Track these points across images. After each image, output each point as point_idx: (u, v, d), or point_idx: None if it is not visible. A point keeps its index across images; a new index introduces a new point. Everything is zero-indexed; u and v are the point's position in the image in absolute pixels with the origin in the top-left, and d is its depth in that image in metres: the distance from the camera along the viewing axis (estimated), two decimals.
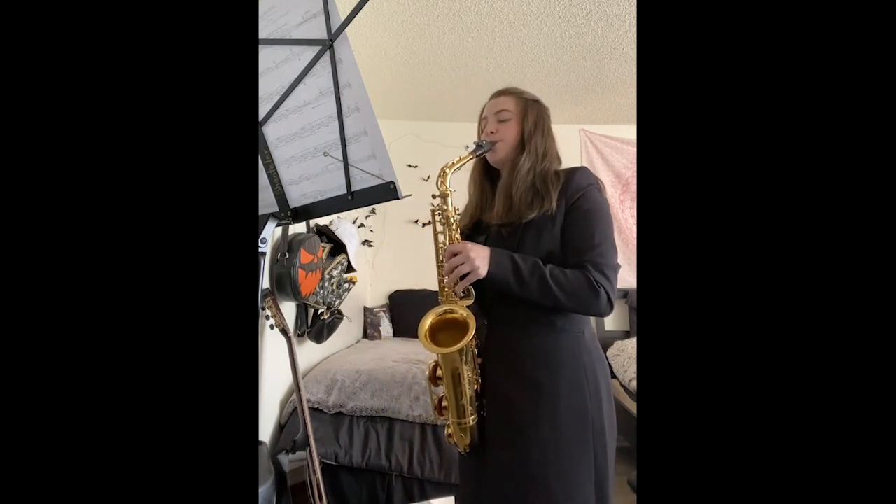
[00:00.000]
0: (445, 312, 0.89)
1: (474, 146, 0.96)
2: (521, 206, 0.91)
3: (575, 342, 0.90)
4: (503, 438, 0.88)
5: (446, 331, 0.88)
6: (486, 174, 1.05)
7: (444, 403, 0.92)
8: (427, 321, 0.88)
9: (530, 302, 0.85)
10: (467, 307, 0.88)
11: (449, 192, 0.91)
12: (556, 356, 0.88)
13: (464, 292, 0.89)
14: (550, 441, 0.84)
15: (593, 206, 0.90)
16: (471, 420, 0.89)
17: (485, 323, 0.95)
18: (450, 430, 0.92)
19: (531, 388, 0.87)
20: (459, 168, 0.93)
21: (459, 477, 1.03)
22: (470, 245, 0.85)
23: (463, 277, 0.84)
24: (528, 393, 0.87)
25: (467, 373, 0.88)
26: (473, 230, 1.02)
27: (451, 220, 0.91)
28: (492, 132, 0.98)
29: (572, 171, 0.93)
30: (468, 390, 0.88)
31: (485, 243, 0.92)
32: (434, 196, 0.92)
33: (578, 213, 0.89)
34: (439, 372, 0.91)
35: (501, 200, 0.94)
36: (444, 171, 0.91)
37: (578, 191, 0.90)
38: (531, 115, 0.98)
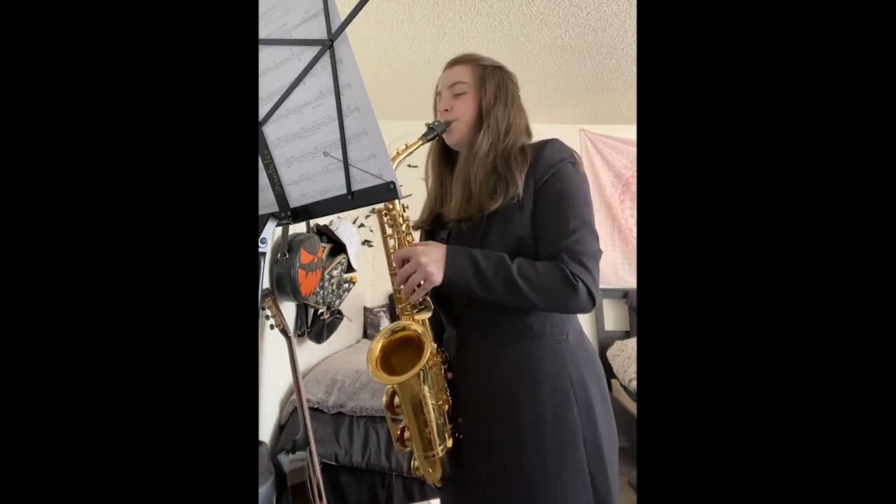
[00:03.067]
0: (395, 331, 0.77)
1: (426, 128, 0.82)
2: (481, 196, 0.77)
3: (556, 348, 0.77)
4: (483, 467, 0.77)
5: (401, 352, 0.77)
6: (445, 159, 0.91)
7: (407, 434, 0.79)
8: (377, 346, 0.75)
9: (500, 305, 0.74)
10: (428, 320, 0.77)
11: None
12: (537, 367, 0.76)
13: (420, 304, 0.77)
14: (537, 468, 0.73)
15: (567, 186, 0.76)
16: (440, 451, 0.76)
17: (454, 333, 0.83)
18: (416, 464, 0.80)
19: (510, 407, 0.75)
20: (408, 156, 0.79)
21: None
22: (420, 248, 0.73)
23: (418, 286, 0.72)
24: (506, 413, 0.75)
25: (430, 399, 0.74)
26: (434, 226, 0.89)
27: (400, 220, 0.79)
28: (445, 110, 0.85)
29: (541, 146, 0.79)
30: (434, 418, 0.75)
31: (447, 241, 0.82)
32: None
33: (549, 194, 0.76)
34: (397, 400, 0.78)
35: (459, 190, 0.80)
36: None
37: (549, 169, 0.76)
38: (490, 85, 0.83)
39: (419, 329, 0.76)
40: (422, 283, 0.72)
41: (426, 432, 0.76)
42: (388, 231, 0.81)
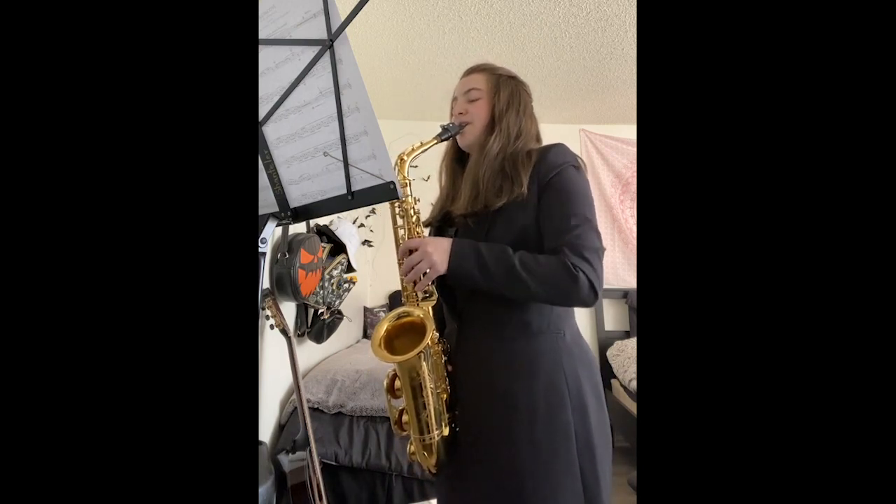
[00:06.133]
0: (401, 316, 0.81)
1: (441, 129, 0.87)
2: (488, 194, 0.82)
3: (553, 345, 0.80)
4: (476, 457, 0.79)
5: (405, 336, 0.80)
6: (458, 161, 0.96)
7: (405, 418, 0.82)
8: (382, 328, 0.79)
9: (502, 297, 0.76)
10: (431, 308, 0.81)
11: (407, 181, 0.83)
12: (533, 362, 0.78)
13: (425, 292, 0.81)
14: (528, 461, 0.75)
15: (569, 185, 0.80)
16: (436, 436, 0.79)
17: (455, 326, 0.86)
18: (412, 448, 0.82)
19: (505, 401, 0.77)
20: (420, 154, 0.84)
21: (437, 495, 0.94)
22: (428, 239, 0.78)
23: (424, 276, 0.76)
24: (501, 407, 0.77)
25: (430, 383, 0.78)
26: (443, 222, 0.94)
27: (411, 212, 0.83)
28: (460, 113, 0.90)
29: (546, 150, 0.83)
30: (432, 402, 0.78)
31: (454, 236, 0.84)
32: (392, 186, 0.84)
33: (552, 193, 0.79)
34: (398, 383, 0.82)
35: (467, 188, 0.85)
36: (402, 160, 0.82)
37: (552, 170, 0.80)
38: (503, 93, 0.89)
39: (421, 314, 0.79)
40: (427, 271, 0.75)
41: (424, 415, 0.78)
42: (399, 222, 0.84)
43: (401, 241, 0.84)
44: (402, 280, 0.82)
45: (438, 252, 0.76)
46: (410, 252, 0.78)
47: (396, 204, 0.84)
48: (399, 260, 0.82)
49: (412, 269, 0.76)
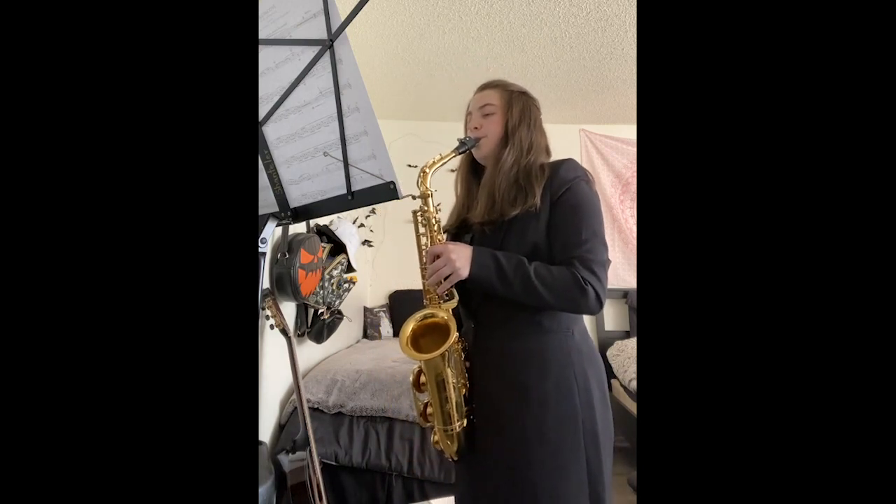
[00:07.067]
0: (426, 317, 0.87)
1: (458, 143, 0.93)
2: (503, 204, 0.88)
3: (563, 342, 0.87)
4: (491, 445, 0.86)
5: (429, 336, 0.86)
6: (473, 172, 1.02)
7: (430, 410, 0.89)
8: (408, 327, 0.86)
9: (516, 302, 0.83)
10: (452, 309, 0.86)
11: (429, 192, 0.89)
12: (544, 357, 0.85)
13: (446, 295, 0.87)
14: (538, 448, 0.82)
15: (580, 200, 0.87)
16: (457, 426, 0.86)
17: (471, 325, 0.93)
18: (436, 438, 0.90)
19: (518, 392, 0.84)
20: (441, 167, 0.90)
21: (455, 481, 1.02)
22: (451, 246, 0.84)
23: (446, 279, 0.82)
24: (514, 397, 0.84)
25: (452, 378, 0.85)
26: (459, 229, 1.00)
27: (433, 221, 0.89)
28: (475, 128, 0.96)
29: (558, 164, 0.90)
30: (454, 396, 0.85)
31: (470, 243, 0.91)
32: (414, 197, 0.89)
33: (564, 207, 0.86)
34: (423, 378, 0.89)
35: (484, 198, 0.92)
36: (424, 172, 0.88)
37: (564, 184, 0.87)
38: (516, 108, 0.95)
39: (445, 316, 0.85)
40: (449, 276, 0.82)
41: (447, 408, 0.85)
42: (421, 230, 0.91)
43: (423, 248, 0.90)
44: (425, 282, 0.88)
45: (461, 258, 0.82)
46: (435, 257, 0.83)
47: (419, 213, 0.90)
48: (423, 265, 0.89)
49: (436, 272, 0.82)
